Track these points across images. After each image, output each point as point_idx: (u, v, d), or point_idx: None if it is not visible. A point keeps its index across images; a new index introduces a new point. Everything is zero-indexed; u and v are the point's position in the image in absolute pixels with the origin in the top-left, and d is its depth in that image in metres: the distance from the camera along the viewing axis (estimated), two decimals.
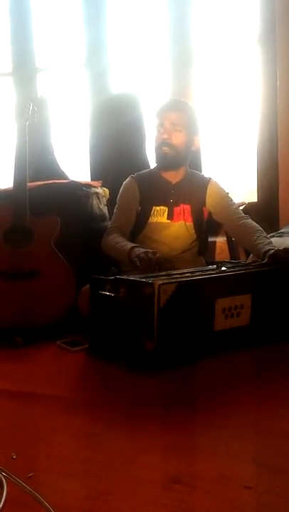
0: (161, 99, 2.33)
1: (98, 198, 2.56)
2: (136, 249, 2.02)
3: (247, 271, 1.89)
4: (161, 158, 2.23)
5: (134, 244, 2.07)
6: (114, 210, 2.31)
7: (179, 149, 2.20)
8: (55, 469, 1.14)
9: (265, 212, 2.94)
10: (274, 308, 1.91)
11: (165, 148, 2.19)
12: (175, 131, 2.19)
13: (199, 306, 1.76)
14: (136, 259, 1.95)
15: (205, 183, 2.29)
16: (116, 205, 2.32)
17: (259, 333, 1.87)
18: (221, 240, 2.77)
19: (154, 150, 2.26)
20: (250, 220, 2.22)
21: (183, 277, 1.77)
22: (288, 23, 2.79)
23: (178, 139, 2.19)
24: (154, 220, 2.24)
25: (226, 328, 1.80)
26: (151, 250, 1.98)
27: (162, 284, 1.65)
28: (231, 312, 1.80)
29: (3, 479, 1.08)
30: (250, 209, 2.66)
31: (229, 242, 2.66)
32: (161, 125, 2.21)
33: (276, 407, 1.42)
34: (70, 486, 1.07)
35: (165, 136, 2.19)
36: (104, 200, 2.61)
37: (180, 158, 2.23)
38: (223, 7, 3.06)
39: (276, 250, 1.96)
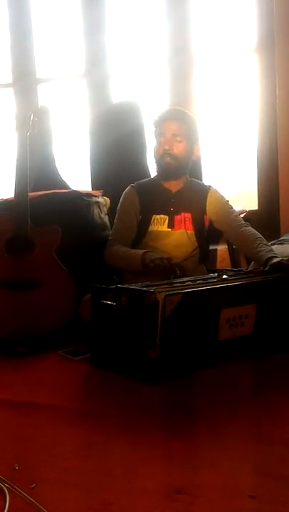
0: (160, 108, 2.33)
1: (99, 207, 2.56)
2: (149, 253, 2.03)
3: (252, 281, 1.88)
4: (162, 168, 2.24)
5: (145, 250, 2.09)
6: (115, 221, 2.32)
7: (180, 159, 2.21)
8: (58, 480, 1.14)
9: (265, 219, 2.95)
10: (277, 317, 1.91)
11: (167, 159, 2.20)
12: (176, 142, 2.20)
13: (204, 316, 1.75)
14: (151, 264, 1.96)
15: (205, 191, 2.30)
16: (116, 216, 2.32)
17: (262, 341, 1.86)
18: (222, 248, 2.77)
19: (154, 160, 2.27)
20: (250, 228, 2.22)
21: (185, 286, 1.76)
22: (286, 32, 2.81)
23: (179, 149, 2.21)
24: (155, 229, 2.24)
25: (229, 338, 1.79)
26: (165, 256, 1.99)
27: (168, 295, 1.63)
28: (236, 322, 1.79)
29: (6, 490, 1.08)
30: (250, 217, 2.66)
31: (230, 250, 2.66)
32: (161, 135, 2.22)
33: (279, 416, 1.42)
34: (73, 497, 1.07)
35: (166, 147, 2.20)
36: (105, 209, 2.61)
37: (181, 168, 2.24)
38: (222, 16, 3.08)
39: (280, 260, 1.96)
